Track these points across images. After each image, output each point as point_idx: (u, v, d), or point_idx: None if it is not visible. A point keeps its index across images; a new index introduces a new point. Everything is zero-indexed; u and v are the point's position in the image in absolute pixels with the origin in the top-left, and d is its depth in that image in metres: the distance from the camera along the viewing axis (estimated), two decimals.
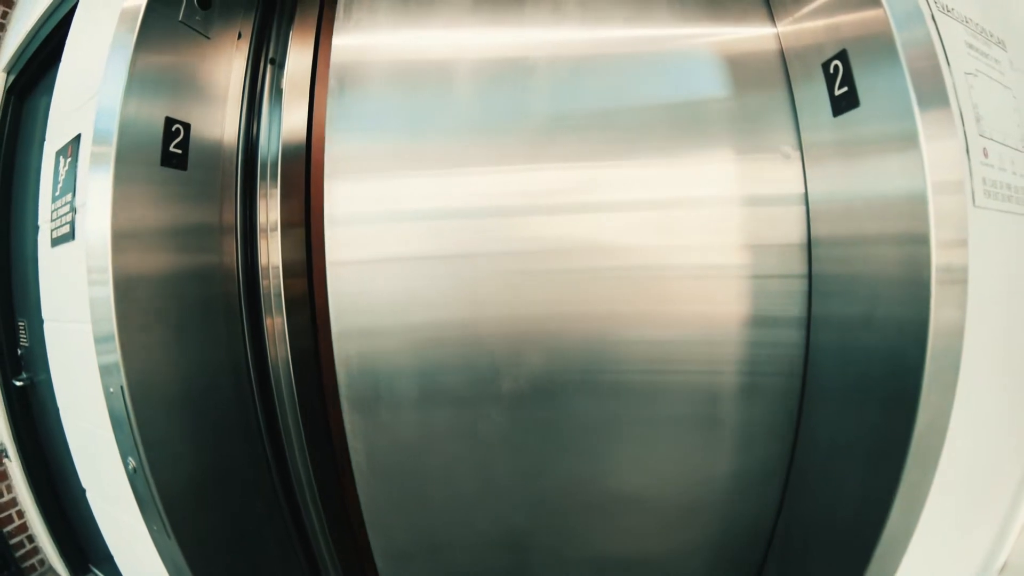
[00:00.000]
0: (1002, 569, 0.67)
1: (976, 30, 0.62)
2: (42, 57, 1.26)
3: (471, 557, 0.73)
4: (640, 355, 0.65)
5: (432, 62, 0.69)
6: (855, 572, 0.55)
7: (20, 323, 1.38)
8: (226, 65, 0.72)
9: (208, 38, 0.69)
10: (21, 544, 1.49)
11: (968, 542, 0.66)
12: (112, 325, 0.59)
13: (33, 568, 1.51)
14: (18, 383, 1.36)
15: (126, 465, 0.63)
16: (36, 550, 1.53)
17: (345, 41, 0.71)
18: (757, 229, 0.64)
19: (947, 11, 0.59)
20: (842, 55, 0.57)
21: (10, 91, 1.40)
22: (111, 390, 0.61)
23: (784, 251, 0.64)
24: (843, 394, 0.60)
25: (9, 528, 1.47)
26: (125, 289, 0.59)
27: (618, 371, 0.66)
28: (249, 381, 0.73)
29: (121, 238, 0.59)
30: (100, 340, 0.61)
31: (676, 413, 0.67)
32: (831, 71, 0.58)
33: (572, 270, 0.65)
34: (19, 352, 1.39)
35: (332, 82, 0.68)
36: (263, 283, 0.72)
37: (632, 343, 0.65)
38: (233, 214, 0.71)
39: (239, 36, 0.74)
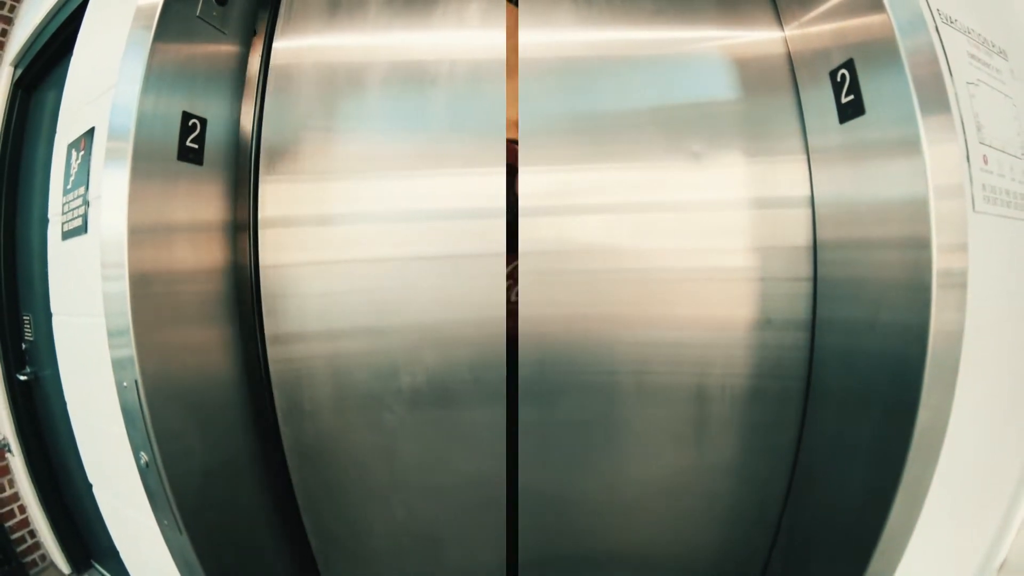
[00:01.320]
0: (1001, 567, 0.68)
1: (978, 40, 0.63)
2: (51, 51, 1.26)
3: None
4: (640, 357, 0.66)
5: (355, 66, 0.71)
6: (857, 568, 0.57)
7: (25, 317, 1.37)
8: (242, 61, 0.73)
9: (224, 34, 0.70)
10: (23, 539, 1.49)
11: (967, 540, 0.67)
12: (127, 319, 0.59)
13: (34, 563, 1.51)
14: (22, 377, 1.36)
15: (138, 460, 0.64)
16: (37, 545, 1.52)
17: (281, 45, 0.73)
18: (764, 232, 0.66)
19: (950, 22, 0.60)
20: (849, 64, 0.58)
21: (17, 85, 1.39)
22: (124, 384, 0.62)
23: (790, 254, 0.66)
24: (846, 395, 0.61)
25: (11, 523, 1.46)
26: (140, 284, 0.60)
27: (618, 372, 0.67)
28: (259, 377, 0.73)
29: (137, 233, 0.60)
30: (114, 334, 0.61)
31: (680, 414, 0.68)
32: (838, 79, 0.60)
33: (567, 272, 0.66)
34: (23, 346, 1.39)
35: (269, 86, 0.71)
36: None
37: (633, 345, 0.66)
38: (247, 210, 0.72)
39: (254, 33, 0.75)
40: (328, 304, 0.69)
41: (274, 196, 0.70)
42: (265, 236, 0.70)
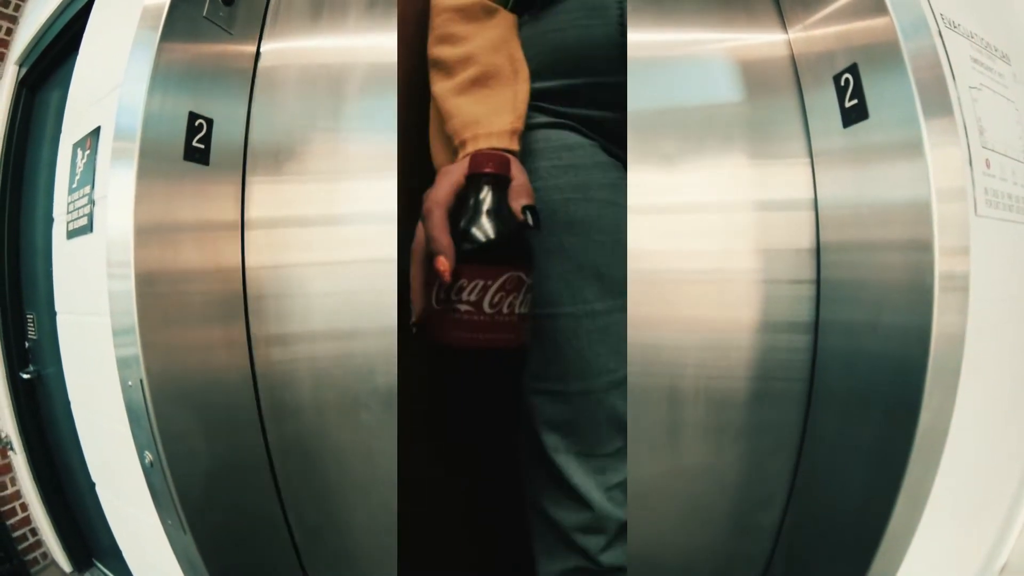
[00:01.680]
0: (1002, 569, 0.68)
1: (981, 44, 0.64)
2: (56, 51, 1.26)
3: None
4: (640, 358, 0.66)
5: (328, 67, 0.72)
6: (858, 570, 0.57)
7: (28, 316, 1.38)
8: (248, 62, 0.73)
9: (231, 34, 0.70)
10: (24, 537, 1.49)
11: (969, 541, 0.68)
12: (133, 319, 0.59)
13: (36, 561, 1.51)
14: (25, 376, 1.36)
15: (142, 459, 0.64)
16: (39, 543, 1.53)
17: (267, 48, 0.74)
18: (767, 234, 0.66)
19: (953, 27, 0.61)
20: (852, 68, 0.58)
21: (22, 84, 1.40)
22: (129, 383, 0.62)
23: (794, 256, 0.66)
24: (849, 397, 0.61)
25: (12, 521, 1.47)
26: (146, 283, 0.60)
27: (662, 375, 0.66)
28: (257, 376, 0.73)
29: (143, 232, 0.60)
30: (119, 333, 0.62)
31: (683, 415, 0.68)
32: (842, 84, 0.60)
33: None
34: (27, 345, 1.40)
35: (256, 88, 0.72)
36: None
37: (633, 345, 0.66)
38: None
39: (261, 32, 0.75)
40: (295, 305, 0.70)
41: (259, 197, 0.71)
42: (250, 237, 0.71)
